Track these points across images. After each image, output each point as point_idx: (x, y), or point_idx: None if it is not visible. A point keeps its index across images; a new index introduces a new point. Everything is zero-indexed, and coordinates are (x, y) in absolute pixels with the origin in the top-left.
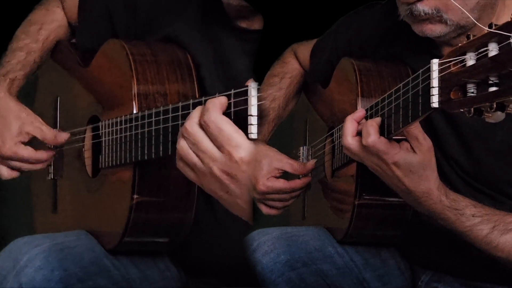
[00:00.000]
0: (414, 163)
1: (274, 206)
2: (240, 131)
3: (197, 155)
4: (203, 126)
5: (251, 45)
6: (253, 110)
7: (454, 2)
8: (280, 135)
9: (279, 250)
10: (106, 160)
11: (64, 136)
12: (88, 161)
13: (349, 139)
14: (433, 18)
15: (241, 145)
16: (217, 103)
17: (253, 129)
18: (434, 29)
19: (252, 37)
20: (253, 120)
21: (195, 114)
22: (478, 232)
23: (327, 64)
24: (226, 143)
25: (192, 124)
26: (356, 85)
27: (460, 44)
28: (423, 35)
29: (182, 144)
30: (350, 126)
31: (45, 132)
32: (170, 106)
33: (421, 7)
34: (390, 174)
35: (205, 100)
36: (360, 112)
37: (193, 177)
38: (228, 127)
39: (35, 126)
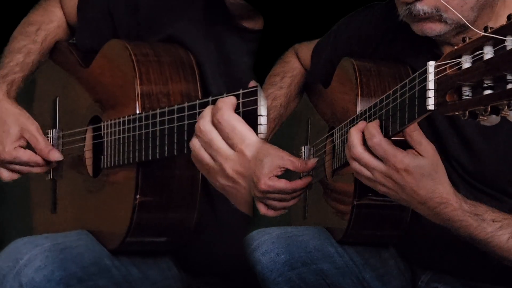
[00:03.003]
0: (424, 166)
1: (273, 206)
2: (251, 129)
3: (209, 154)
4: (215, 124)
5: (254, 45)
6: (263, 110)
7: (447, 6)
8: (282, 135)
9: (279, 249)
10: (109, 160)
11: (57, 156)
12: (89, 162)
13: (360, 148)
14: (433, 17)
15: (253, 143)
16: (229, 102)
17: (263, 129)
18: (434, 28)
19: (255, 37)
20: (263, 120)
21: (207, 112)
22: (500, 238)
23: (327, 64)
24: (239, 141)
25: (205, 122)
26: (356, 85)
27: (456, 47)
28: (423, 34)
29: (195, 143)
30: (357, 137)
31: (40, 143)
32: (176, 106)
33: (420, 7)
34: (402, 183)
35: (212, 100)
36: (362, 123)
37: (205, 173)
38: (241, 126)
39: (32, 135)
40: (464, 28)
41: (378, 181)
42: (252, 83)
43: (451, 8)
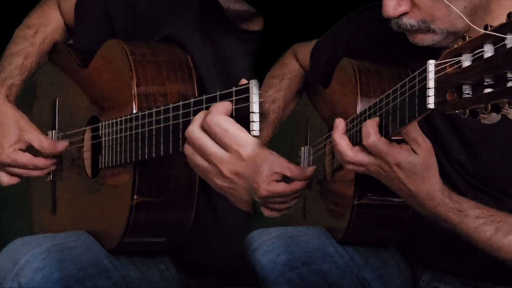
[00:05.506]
0: (416, 164)
1: (275, 208)
2: (243, 129)
3: (204, 158)
4: (205, 128)
5: (251, 46)
6: (255, 107)
7: (433, 17)
8: (282, 135)
9: (279, 249)
10: (106, 160)
11: (63, 145)
12: (87, 162)
13: (351, 153)
14: (421, 29)
15: (248, 143)
16: (221, 107)
17: (255, 126)
18: (426, 39)
19: (252, 38)
20: (255, 117)
21: (198, 118)
22: (482, 234)
23: (326, 65)
24: (233, 142)
25: (194, 128)
26: (356, 85)
27: (456, 45)
28: (416, 44)
29: (188, 149)
30: (343, 142)
31: (43, 142)
32: (171, 105)
33: (407, 21)
34: (393, 176)
35: (206, 99)
36: (341, 123)
37: (203, 176)
38: (232, 127)
39: (33, 135)
40: (458, 35)
41: (371, 172)
42: (243, 81)
43: (456, 9)
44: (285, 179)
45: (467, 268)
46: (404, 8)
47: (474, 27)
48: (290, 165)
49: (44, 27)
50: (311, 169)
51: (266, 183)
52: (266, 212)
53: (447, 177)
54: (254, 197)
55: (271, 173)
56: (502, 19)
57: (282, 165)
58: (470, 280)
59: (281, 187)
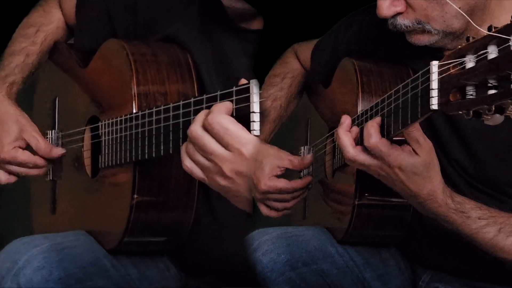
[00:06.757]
0: (417, 165)
1: (275, 207)
2: (245, 128)
3: (205, 157)
4: (207, 127)
5: (251, 45)
6: (255, 107)
7: (427, 18)
8: (282, 135)
9: (279, 249)
10: (106, 160)
11: (58, 151)
12: (87, 162)
13: (352, 151)
14: (416, 29)
15: (249, 142)
16: (222, 106)
17: (256, 126)
18: (422, 39)
19: (252, 37)
20: (256, 117)
21: (200, 117)
22: (484, 235)
23: (327, 65)
24: (234, 141)
25: (196, 127)
26: (357, 85)
27: (460, 46)
28: (413, 44)
29: (190, 147)
30: (346, 138)
31: (41, 143)
32: (171, 105)
33: (401, 21)
34: (394, 177)
35: (207, 98)
36: (346, 120)
37: (202, 177)
38: (233, 126)
39: (32, 135)
40: (456, 35)
41: (372, 173)
42: (242, 81)
43: (454, 8)
44: (287, 177)
45: (467, 268)
46: (398, 8)
47: (479, 28)
48: (290, 156)
49: (46, 26)
50: (309, 157)
51: (267, 178)
52: (265, 210)
53: (449, 179)
54: (255, 193)
55: (272, 167)
56: (503, 19)
57: (282, 158)
58: (470, 280)
59: (283, 183)
